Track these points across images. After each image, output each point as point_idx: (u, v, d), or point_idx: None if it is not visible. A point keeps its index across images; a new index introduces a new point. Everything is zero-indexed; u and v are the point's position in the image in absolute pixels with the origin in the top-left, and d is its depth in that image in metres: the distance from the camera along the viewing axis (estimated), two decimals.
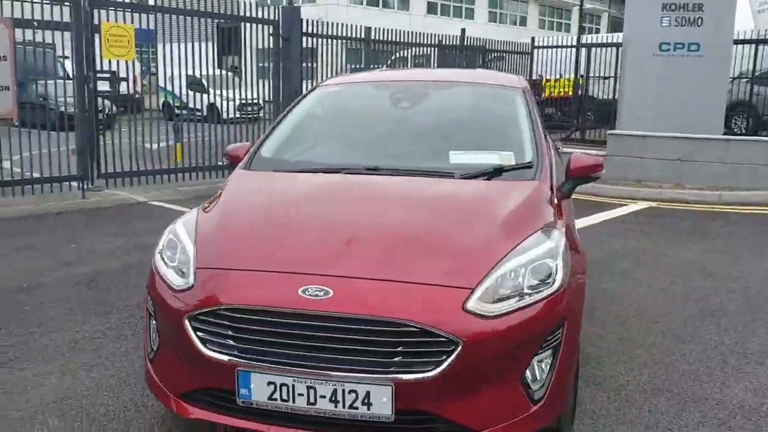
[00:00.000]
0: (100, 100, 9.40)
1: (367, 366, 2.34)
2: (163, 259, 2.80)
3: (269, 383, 2.41)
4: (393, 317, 2.34)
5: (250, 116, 10.89)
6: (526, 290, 2.52)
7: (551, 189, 3.22)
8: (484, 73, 4.73)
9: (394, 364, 2.34)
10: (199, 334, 2.49)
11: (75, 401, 3.22)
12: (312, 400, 2.38)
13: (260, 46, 10.31)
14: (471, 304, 2.40)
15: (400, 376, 2.32)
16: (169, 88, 11.72)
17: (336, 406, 2.37)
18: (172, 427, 2.99)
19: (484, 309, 2.41)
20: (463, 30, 14.11)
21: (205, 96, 11.61)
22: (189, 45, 9.46)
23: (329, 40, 11.23)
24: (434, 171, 3.23)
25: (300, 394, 2.39)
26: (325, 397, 2.37)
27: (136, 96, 11.28)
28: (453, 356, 2.32)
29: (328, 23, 11.20)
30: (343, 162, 3.43)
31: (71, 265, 5.47)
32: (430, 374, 2.32)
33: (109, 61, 8.57)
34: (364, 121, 3.90)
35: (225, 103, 10.63)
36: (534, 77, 15.91)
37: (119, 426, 3.00)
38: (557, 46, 15.59)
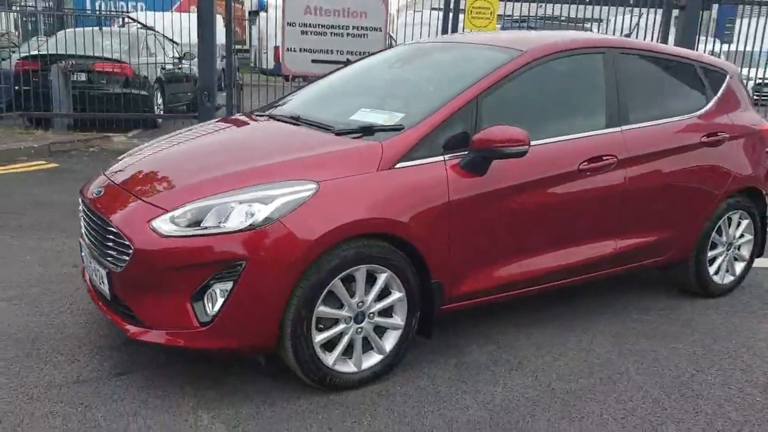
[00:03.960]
0: None
1: (99, 251, 3.05)
2: None
3: (81, 247, 3.34)
4: (106, 217, 2.98)
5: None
6: (221, 223, 2.76)
7: (403, 154, 3.07)
8: (516, 35, 4.18)
9: (108, 255, 2.98)
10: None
11: None
12: (92, 272, 3.21)
13: None
14: (157, 222, 2.80)
15: (110, 265, 2.96)
16: None
17: (95, 276, 3.15)
18: None
19: (165, 228, 2.77)
20: None
21: None
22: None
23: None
24: (324, 124, 3.40)
25: (88, 265, 3.25)
26: (93, 272, 3.18)
27: None
28: (129, 258, 2.83)
29: None
30: (284, 111, 3.83)
31: None
32: (118, 269, 2.89)
33: None
34: (351, 78, 4.14)
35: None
36: None
37: None
38: None
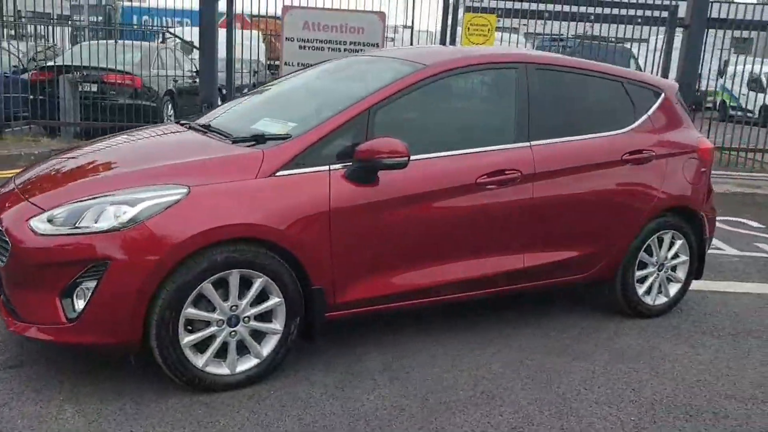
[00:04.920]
0: None
1: None
2: None
3: None
4: None
5: None
6: (93, 224, 2.87)
7: (285, 162, 3.15)
8: (433, 50, 4.23)
9: (1, 253, 3.12)
10: None
11: None
12: None
13: None
14: (34, 221, 2.93)
15: None
16: (729, 86, 11.04)
17: None
18: None
19: (41, 227, 2.90)
20: None
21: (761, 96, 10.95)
22: None
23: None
24: (225, 133, 3.51)
25: None
26: None
27: (697, 93, 10.82)
28: (8, 255, 2.97)
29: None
30: (202, 119, 3.96)
31: None
32: (2, 264, 3.03)
33: None
34: (277, 90, 4.26)
35: None
36: None
37: None
38: None
